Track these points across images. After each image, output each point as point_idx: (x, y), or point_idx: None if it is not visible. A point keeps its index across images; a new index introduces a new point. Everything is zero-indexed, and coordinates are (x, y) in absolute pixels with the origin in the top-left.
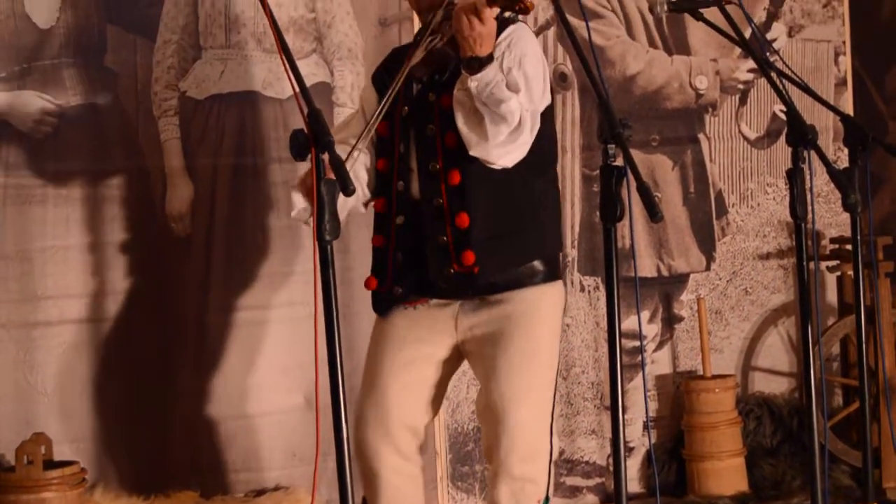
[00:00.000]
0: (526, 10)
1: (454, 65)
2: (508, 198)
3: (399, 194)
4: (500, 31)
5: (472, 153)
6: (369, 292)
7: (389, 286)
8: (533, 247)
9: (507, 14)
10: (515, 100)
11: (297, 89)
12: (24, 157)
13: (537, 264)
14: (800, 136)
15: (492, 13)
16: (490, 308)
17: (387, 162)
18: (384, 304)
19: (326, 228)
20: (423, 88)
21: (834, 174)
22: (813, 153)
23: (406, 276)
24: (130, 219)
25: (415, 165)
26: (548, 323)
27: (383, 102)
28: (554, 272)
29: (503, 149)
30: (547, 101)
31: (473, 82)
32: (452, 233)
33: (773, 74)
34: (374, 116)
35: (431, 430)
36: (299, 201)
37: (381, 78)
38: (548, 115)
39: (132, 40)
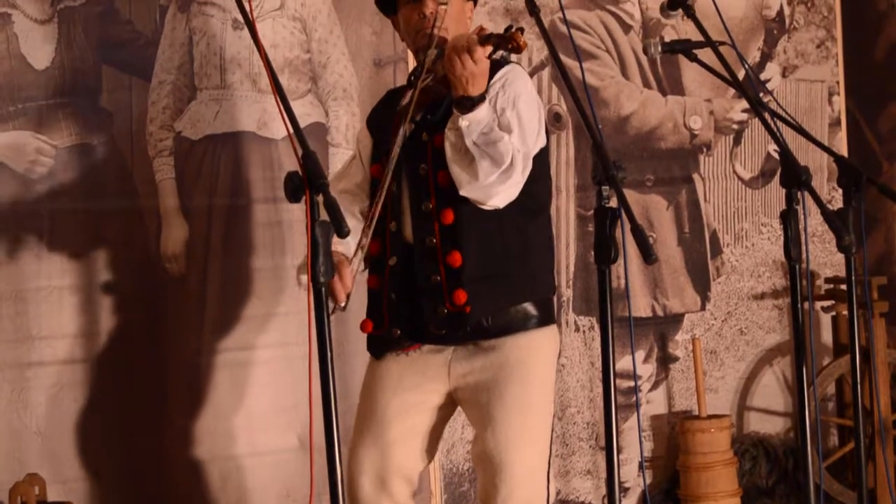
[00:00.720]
0: (518, 50)
1: (446, 104)
2: (500, 239)
3: (392, 235)
4: (494, 71)
5: (462, 193)
6: (364, 332)
7: (386, 328)
8: (524, 289)
9: (499, 53)
10: (507, 140)
11: (292, 131)
12: (19, 196)
13: (530, 308)
14: (793, 177)
15: (484, 52)
16: (484, 355)
17: (380, 204)
18: (379, 347)
19: (321, 270)
20: (416, 128)
21: (828, 216)
22: (807, 194)
23: (401, 319)
24: (125, 259)
25: (407, 205)
26: (542, 369)
27: (387, 171)
28: (547, 316)
29: (494, 189)
30: (542, 143)
31: (465, 121)
32: (445, 272)
33: (767, 115)
34: (382, 186)
35: (426, 471)
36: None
37: (376, 121)
38: (542, 158)
39: (127, 80)
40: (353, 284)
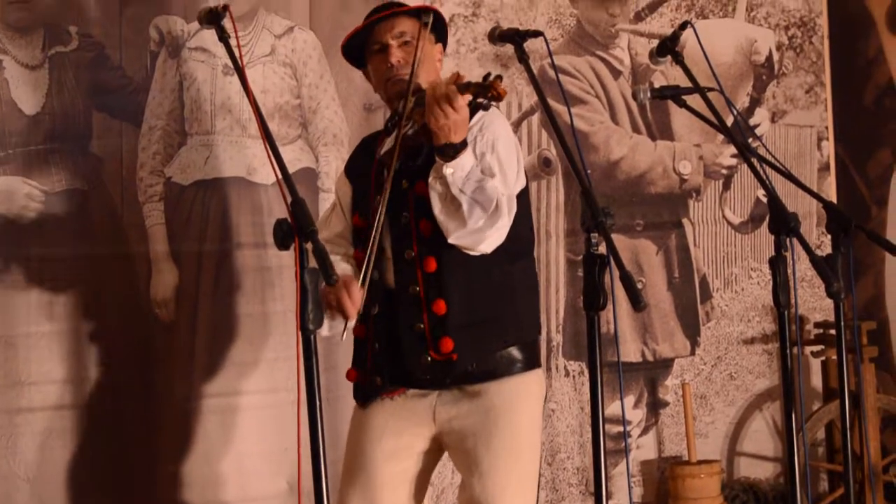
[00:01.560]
0: (499, 98)
1: (426, 151)
2: (485, 284)
3: (374, 283)
4: (470, 115)
5: (450, 241)
6: (349, 381)
7: (370, 377)
8: (510, 332)
9: (480, 100)
10: (492, 184)
11: (281, 179)
12: (8, 242)
13: (515, 352)
14: (782, 223)
15: (464, 101)
16: (470, 400)
17: (362, 252)
18: (365, 395)
19: (310, 318)
20: (396, 175)
21: (816, 263)
22: (796, 240)
23: (384, 366)
24: (115, 304)
25: (390, 253)
26: (528, 414)
27: (377, 223)
28: (533, 359)
29: (482, 234)
30: (521, 184)
31: (449, 169)
32: (429, 320)
33: (755, 161)
34: (374, 233)
35: None
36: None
37: (355, 168)
38: (523, 199)
39: (118, 126)
40: (362, 302)
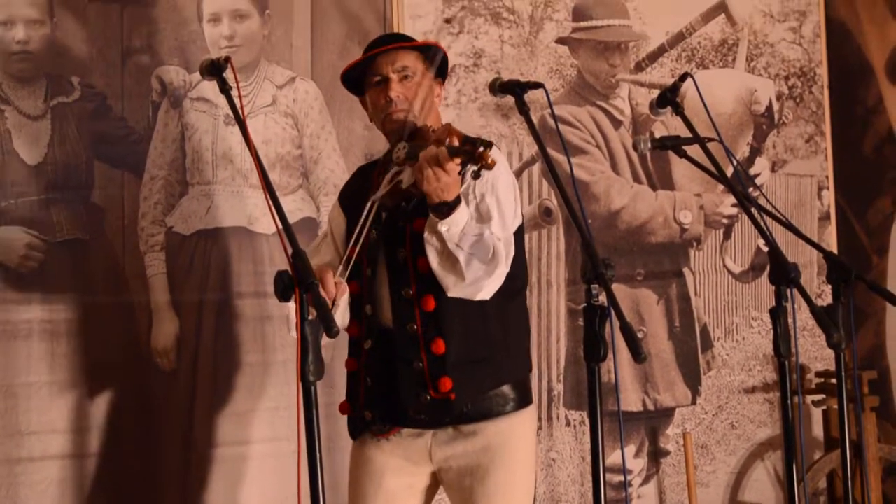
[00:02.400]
0: (488, 167)
1: (420, 198)
2: (482, 323)
3: (368, 318)
4: (462, 181)
5: (450, 294)
6: (342, 414)
7: (361, 411)
8: (506, 371)
9: (470, 168)
10: (488, 234)
11: (282, 230)
12: (9, 292)
13: (508, 390)
14: (782, 274)
15: (455, 164)
16: (465, 440)
17: (357, 286)
18: (357, 428)
19: (310, 369)
20: (391, 216)
21: (817, 313)
22: (796, 290)
23: (376, 403)
24: (116, 354)
25: (386, 291)
26: (523, 452)
27: (357, 232)
28: (525, 397)
29: (481, 283)
30: (518, 221)
31: (444, 226)
32: (428, 359)
33: (755, 211)
34: (353, 244)
35: None
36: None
37: (349, 199)
38: (519, 236)
39: (120, 176)
40: (339, 293)
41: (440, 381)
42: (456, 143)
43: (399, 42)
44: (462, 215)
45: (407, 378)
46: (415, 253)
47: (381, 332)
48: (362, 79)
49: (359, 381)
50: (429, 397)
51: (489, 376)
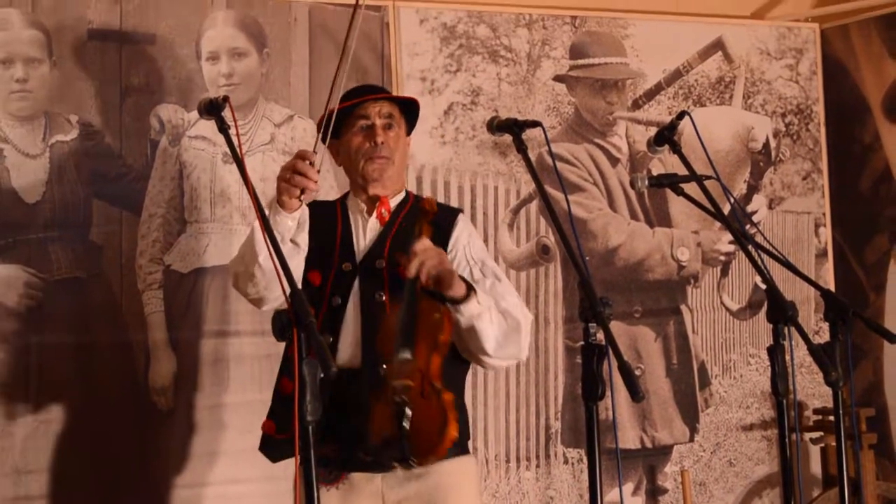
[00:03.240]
0: (433, 211)
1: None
2: (451, 370)
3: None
4: (449, 223)
5: (487, 366)
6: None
7: (289, 436)
8: (462, 421)
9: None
10: (511, 302)
11: (279, 269)
12: (7, 330)
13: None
14: (780, 312)
15: (426, 244)
16: (416, 480)
17: (313, 310)
18: (280, 453)
19: (308, 409)
20: (370, 254)
21: (815, 351)
22: (794, 328)
23: (327, 441)
24: (113, 392)
25: (353, 328)
26: (474, 491)
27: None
28: (466, 445)
29: (516, 349)
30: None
31: (461, 316)
32: None
33: (752, 249)
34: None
35: None
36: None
37: (320, 221)
38: None
39: (118, 214)
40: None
41: None
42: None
43: (384, 93)
44: (474, 307)
45: (375, 419)
46: (393, 297)
47: (344, 373)
48: (339, 123)
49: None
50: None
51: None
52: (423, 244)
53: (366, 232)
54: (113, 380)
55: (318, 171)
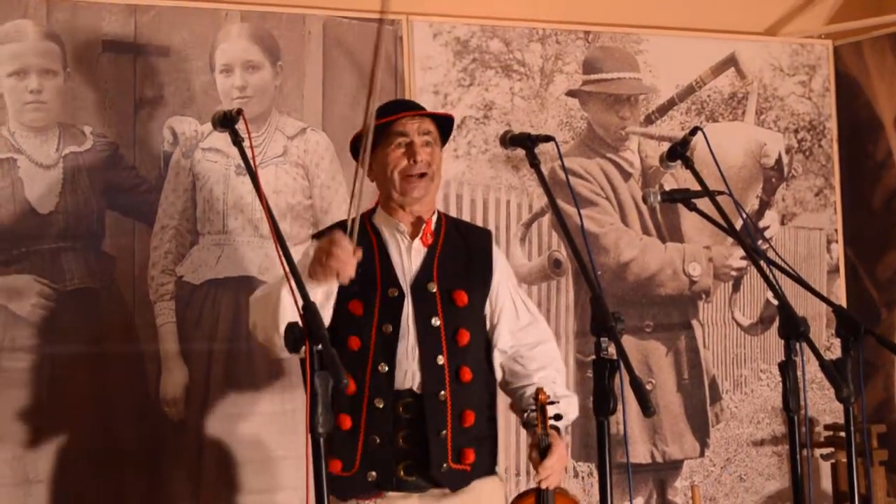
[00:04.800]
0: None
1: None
2: (490, 404)
3: (378, 376)
4: (487, 248)
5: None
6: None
7: (356, 470)
8: (496, 450)
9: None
10: (551, 351)
11: (292, 281)
12: (20, 340)
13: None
14: (792, 329)
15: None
16: (455, 496)
17: (360, 341)
18: (350, 489)
19: (319, 421)
20: (419, 279)
21: (826, 368)
22: (805, 344)
23: (378, 464)
24: (125, 403)
25: (411, 354)
26: None
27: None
28: (495, 468)
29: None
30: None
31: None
32: (453, 428)
33: (764, 264)
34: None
35: None
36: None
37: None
38: None
39: (131, 225)
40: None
41: (464, 452)
42: None
43: (419, 109)
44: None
45: (434, 446)
46: (449, 323)
47: (394, 394)
48: (374, 138)
49: (357, 440)
50: (446, 466)
51: (493, 454)
52: (550, 464)
53: (411, 255)
54: (124, 390)
55: (354, 254)
